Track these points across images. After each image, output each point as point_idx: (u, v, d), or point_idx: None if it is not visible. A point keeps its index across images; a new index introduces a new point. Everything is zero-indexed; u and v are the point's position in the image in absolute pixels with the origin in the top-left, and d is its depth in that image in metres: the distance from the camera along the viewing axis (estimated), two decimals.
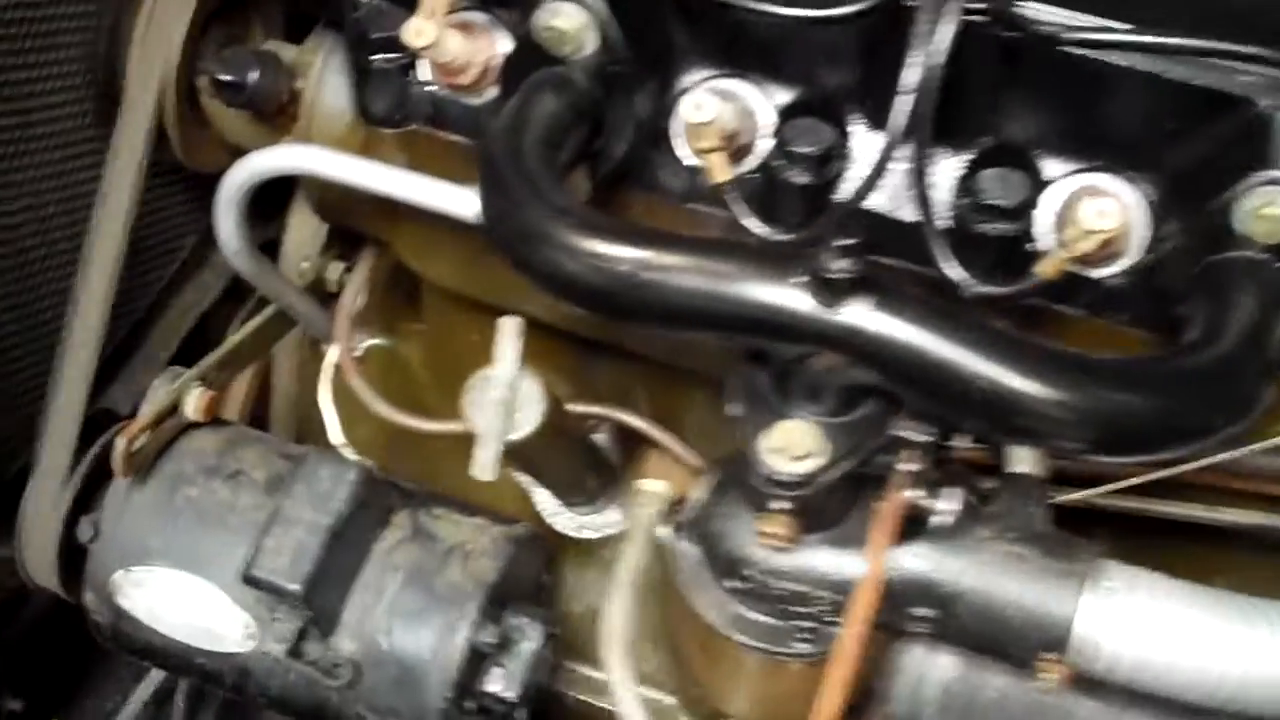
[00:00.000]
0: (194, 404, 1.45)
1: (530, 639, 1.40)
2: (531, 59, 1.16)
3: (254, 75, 1.37)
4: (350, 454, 1.55)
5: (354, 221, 1.49)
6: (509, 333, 1.24)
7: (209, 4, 1.45)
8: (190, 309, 1.85)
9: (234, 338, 1.54)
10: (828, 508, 1.07)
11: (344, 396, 1.66)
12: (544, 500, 1.59)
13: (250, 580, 1.32)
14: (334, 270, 1.65)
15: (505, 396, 1.23)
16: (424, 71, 1.27)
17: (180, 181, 1.72)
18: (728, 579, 1.13)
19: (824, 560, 1.09)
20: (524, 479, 1.61)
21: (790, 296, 0.95)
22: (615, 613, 1.13)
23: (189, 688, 1.74)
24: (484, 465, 1.22)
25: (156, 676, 1.75)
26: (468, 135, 1.28)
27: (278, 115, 1.43)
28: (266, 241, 1.88)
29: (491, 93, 1.26)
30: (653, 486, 1.16)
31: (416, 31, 1.14)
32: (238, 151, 1.52)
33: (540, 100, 1.12)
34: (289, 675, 1.38)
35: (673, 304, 0.98)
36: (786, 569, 1.09)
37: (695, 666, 1.17)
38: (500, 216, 1.04)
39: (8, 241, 1.52)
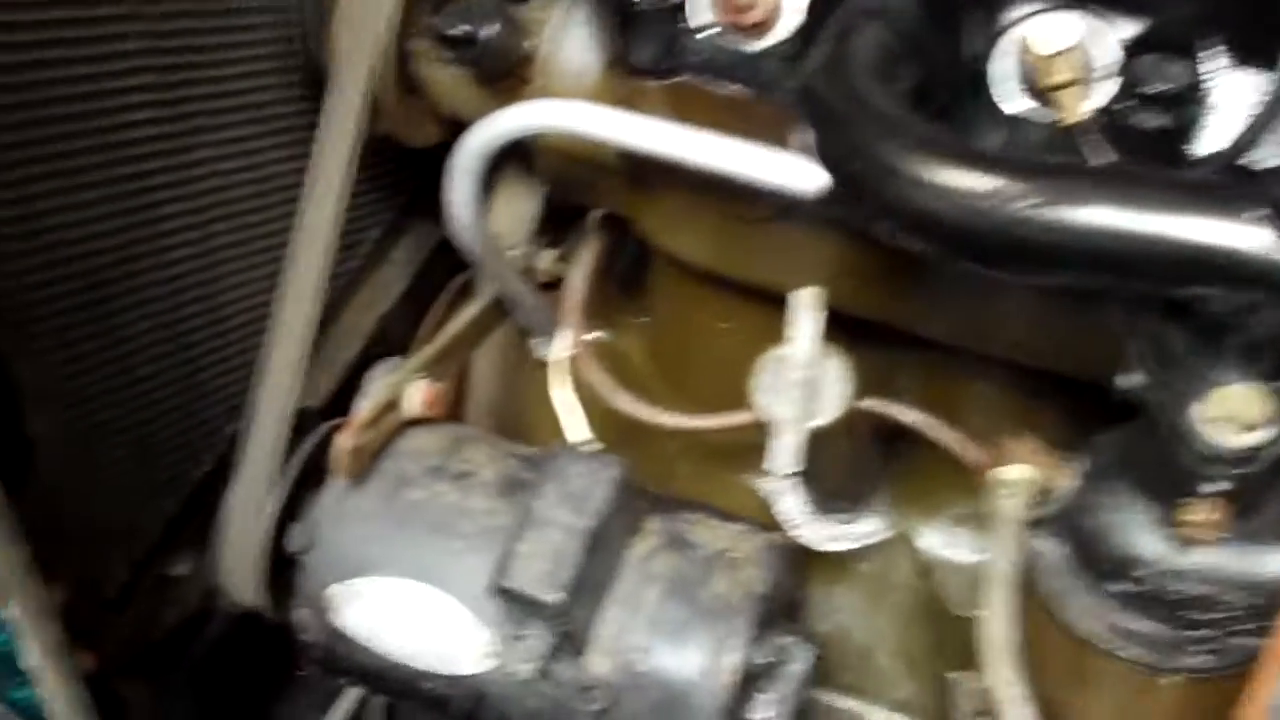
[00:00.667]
0: (417, 398, 1.30)
1: (798, 660, 1.24)
2: None
3: (491, 28, 1.23)
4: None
5: (594, 196, 1.35)
6: (807, 305, 1.09)
7: None
8: (371, 308, 1.71)
9: (450, 327, 1.40)
10: (1262, 491, 0.90)
11: (536, 390, 1.52)
12: (790, 507, 1.43)
13: (500, 591, 1.17)
14: (545, 258, 1.50)
15: (806, 377, 1.08)
16: (698, 14, 1.12)
17: (367, 168, 1.59)
18: (1112, 582, 0.97)
19: (1242, 557, 0.92)
20: (765, 481, 1.46)
21: (1247, 235, 0.79)
22: (999, 617, 0.97)
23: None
24: (784, 457, 1.07)
25: (348, 701, 1.60)
26: (746, 85, 1.13)
27: (505, 78, 1.29)
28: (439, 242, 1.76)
29: (774, 36, 1.11)
30: (1018, 473, 1.00)
31: None
32: (451, 124, 1.38)
33: (865, 31, 0.97)
34: (534, 699, 1.23)
35: (1085, 245, 0.82)
36: (1193, 568, 0.93)
37: (1050, 684, 1.01)
38: (848, 156, 0.88)
39: (194, 226, 1.38)
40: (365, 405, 1.27)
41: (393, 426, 1.30)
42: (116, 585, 1.43)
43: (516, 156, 1.49)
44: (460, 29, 1.22)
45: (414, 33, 1.32)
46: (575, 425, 1.38)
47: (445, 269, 1.74)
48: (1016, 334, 1.20)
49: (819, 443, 1.14)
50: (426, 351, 1.34)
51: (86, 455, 1.32)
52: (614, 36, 1.16)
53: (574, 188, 1.33)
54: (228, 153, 1.40)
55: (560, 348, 1.42)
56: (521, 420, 1.54)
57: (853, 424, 1.19)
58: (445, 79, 1.33)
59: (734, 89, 1.14)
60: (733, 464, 1.45)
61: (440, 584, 1.25)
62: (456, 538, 1.26)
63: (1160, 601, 0.95)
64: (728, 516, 1.30)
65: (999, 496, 0.98)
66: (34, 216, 1.17)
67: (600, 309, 1.51)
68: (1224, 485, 0.86)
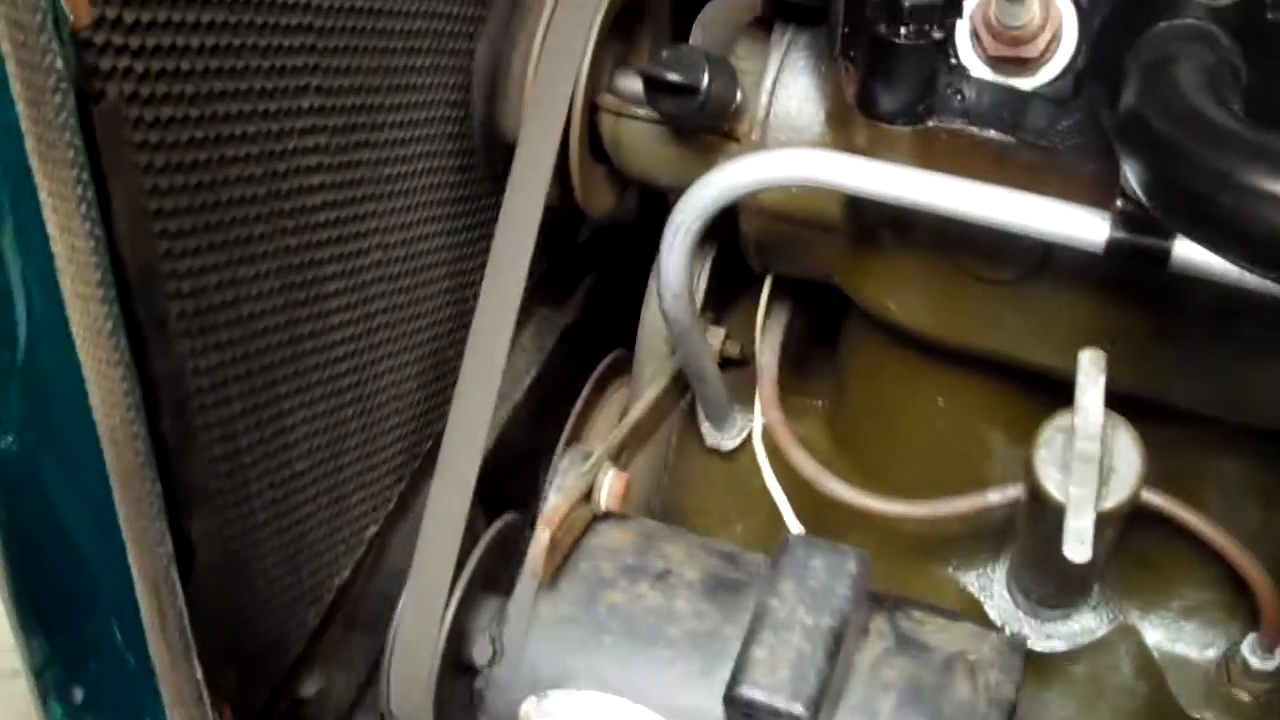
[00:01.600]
0: (610, 490, 1.18)
1: None
2: (1144, 9, 0.91)
3: (707, 78, 1.11)
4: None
5: (805, 261, 1.23)
6: (1094, 368, 0.97)
7: (616, 4, 1.21)
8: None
9: (635, 411, 1.27)
10: None
11: (704, 480, 1.40)
12: (1004, 601, 1.31)
13: (737, 702, 1.04)
14: (715, 335, 1.38)
15: (1096, 451, 0.96)
16: (966, 50, 1.02)
17: None
18: None
19: None
20: (973, 575, 1.33)
21: None
22: None
23: None
24: (1080, 541, 0.94)
25: None
26: (1011, 130, 1.02)
27: (712, 133, 1.18)
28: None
29: (1047, 74, 1.00)
30: None
31: None
32: (640, 191, 1.27)
33: (1189, 57, 0.86)
34: None
35: None
36: None
37: None
38: (1211, 186, 0.77)
39: (355, 305, 1.26)
40: (558, 497, 1.14)
41: (585, 521, 1.17)
42: (255, 707, 1.28)
43: None
44: (684, 77, 1.10)
45: (600, 87, 1.22)
46: (789, 514, 1.25)
47: (567, 355, 1.64)
48: None
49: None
50: (615, 437, 1.22)
51: (242, 560, 1.18)
52: (861, 79, 1.05)
53: (782, 252, 1.22)
54: (392, 228, 1.28)
55: (756, 428, 1.29)
56: (680, 511, 1.42)
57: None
58: (641, 137, 1.22)
59: (993, 134, 1.03)
60: (931, 556, 1.34)
61: (645, 697, 1.12)
62: (663, 645, 1.13)
63: None
64: (954, 614, 1.18)
65: None
66: (207, 302, 1.04)
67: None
68: None
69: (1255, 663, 1.25)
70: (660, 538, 1.21)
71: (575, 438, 1.46)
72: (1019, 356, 1.15)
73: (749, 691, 1.04)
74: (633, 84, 1.22)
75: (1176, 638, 1.31)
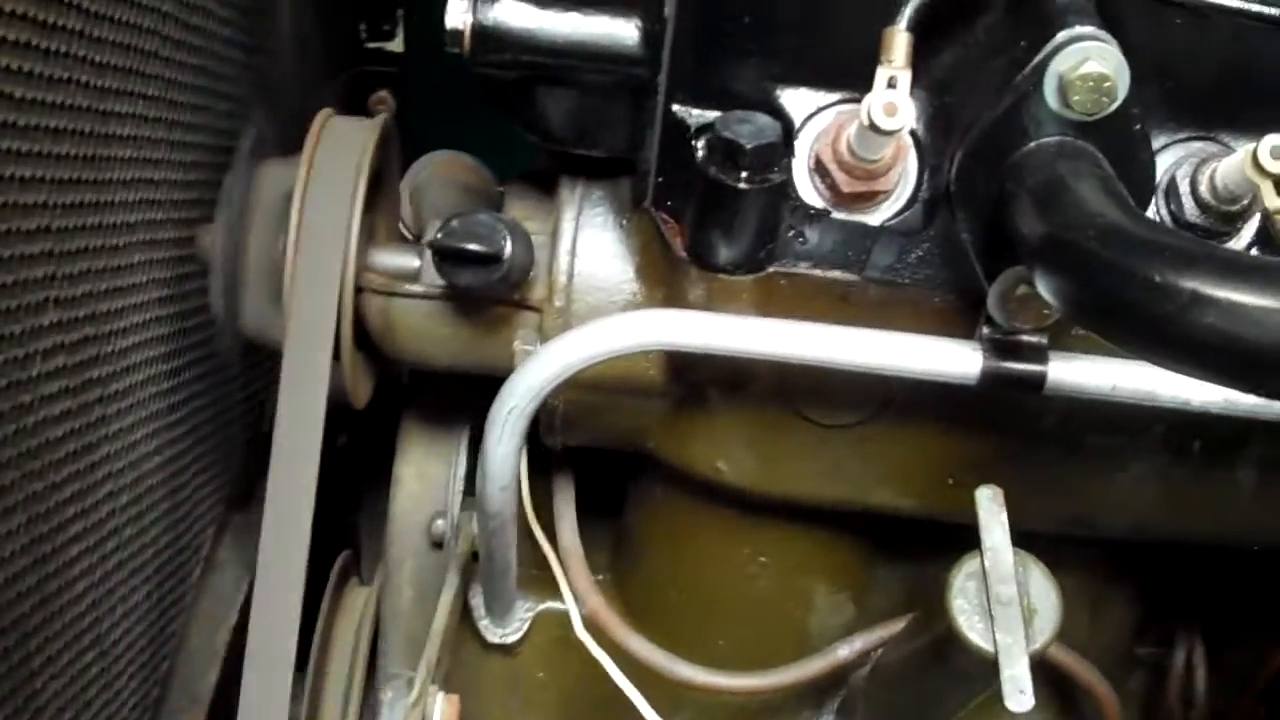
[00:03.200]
0: (443, 717, 1.04)
1: None
2: (1009, 134, 0.88)
3: (509, 244, 1.00)
4: None
5: (612, 432, 1.13)
6: (994, 504, 0.93)
7: (370, 173, 1.08)
8: (218, 623, 1.40)
9: (440, 619, 1.13)
10: None
11: (485, 681, 1.27)
12: None
13: None
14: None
15: (1014, 593, 0.91)
16: (807, 190, 0.96)
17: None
18: None
19: None
20: None
21: None
22: None
23: None
24: (1020, 690, 0.89)
25: None
26: (858, 268, 0.98)
27: (503, 305, 1.07)
28: None
29: (893, 207, 0.97)
30: None
31: (889, 109, 0.85)
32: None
33: (1074, 174, 0.84)
34: None
35: None
36: None
37: None
38: (1147, 296, 0.74)
39: (92, 546, 1.07)
40: None
41: None
42: None
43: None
44: (485, 246, 0.99)
45: (364, 269, 1.08)
46: (644, 702, 1.12)
47: None
48: (1140, 507, 1.08)
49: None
50: (430, 654, 1.08)
51: None
52: (694, 230, 0.97)
53: (590, 423, 1.11)
54: (120, 451, 1.11)
55: (578, 618, 1.17)
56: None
57: None
58: (417, 316, 1.09)
59: (838, 274, 0.98)
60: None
61: None
62: None
63: None
64: None
65: None
66: None
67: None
68: None
69: None
70: None
71: (323, 653, 1.28)
72: (861, 501, 1.10)
73: None
74: (394, 259, 1.09)
75: None
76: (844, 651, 1.15)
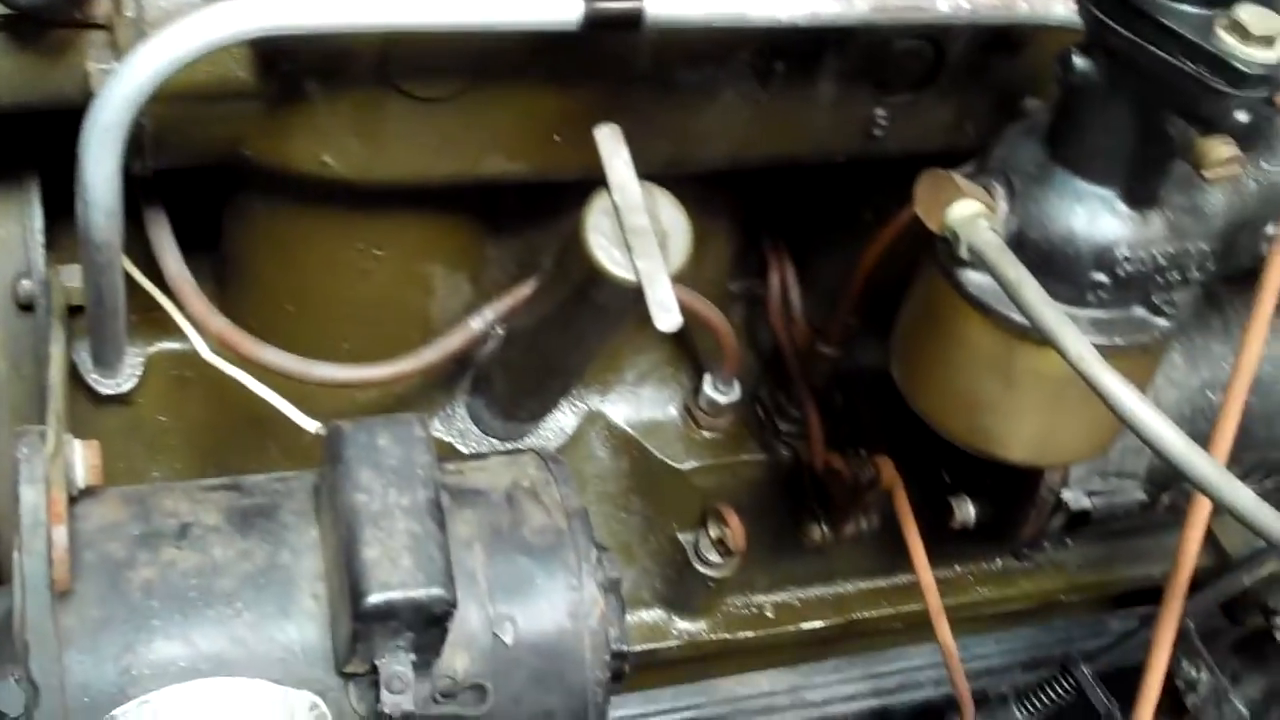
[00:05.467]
0: (86, 463, 1.00)
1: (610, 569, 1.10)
2: None
3: None
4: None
5: (204, 146, 1.07)
6: (614, 140, 0.95)
7: None
8: None
9: (54, 374, 1.07)
10: None
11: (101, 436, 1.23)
12: (475, 434, 1.29)
13: (371, 613, 0.93)
14: (71, 275, 1.18)
15: (646, 221, 0.95)
16: None
17: None
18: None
19: None
20: (438, 421, 1.28)
21: None
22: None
23: None
24: (667, 310, 0.94)
25: None
26: None
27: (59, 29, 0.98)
28: None
29: None
30: (968, 209, 0.92)
31: None
32: None
33: None
34: None
35: None
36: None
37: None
38: None
39: None
40: (41, 489, 0.95)
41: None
42: None
43: None
44: None
45: None
46: (298, 413, 1.10)
47: None
48: (733, 135, 1.13)
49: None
50: (56, 407, 1.02)
51: None
52: None
53: (180, 140, 1.04)
54: None
55: (204, 347, 1.13)
56: None
57: None
58: None
59: None
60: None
61: (227, 666, 0.97)
62: (221, 601, 0.99)
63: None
64: (478, 455, 1.14)
65: (973, 233, 0.91)
66: None
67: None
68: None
69: (719, 398, 1.32)
70: (153, 496, 1.04)
71: None
72: (471, 173, 1.10)
73: (380, 596, 0.93)
74: None
75: (639, 406, 1.34)
76: (476, 324, 1.17)
